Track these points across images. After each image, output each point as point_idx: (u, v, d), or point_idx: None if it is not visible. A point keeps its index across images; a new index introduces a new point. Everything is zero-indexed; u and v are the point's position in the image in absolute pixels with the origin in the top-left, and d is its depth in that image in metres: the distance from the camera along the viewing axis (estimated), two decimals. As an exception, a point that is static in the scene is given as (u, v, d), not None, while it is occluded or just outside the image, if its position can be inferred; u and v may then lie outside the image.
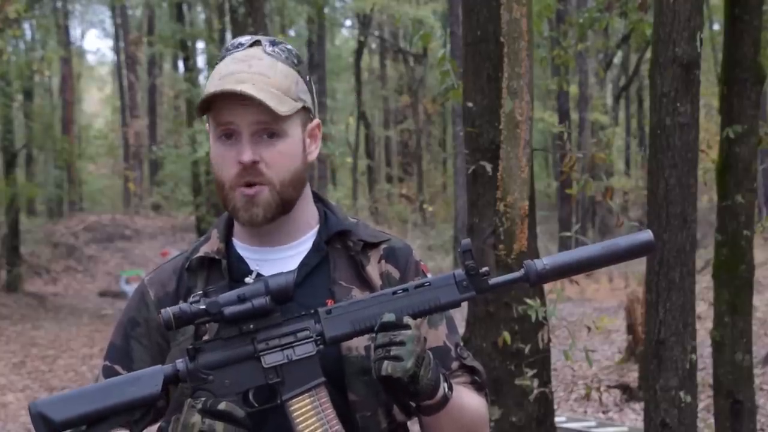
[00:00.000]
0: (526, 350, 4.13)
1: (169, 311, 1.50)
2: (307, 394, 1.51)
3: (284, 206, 1.62)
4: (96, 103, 42.49)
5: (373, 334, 1.51)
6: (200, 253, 1.68)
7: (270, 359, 1.52)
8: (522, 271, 1.54)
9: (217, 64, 1.65)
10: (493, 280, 1.55)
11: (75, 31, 36.06)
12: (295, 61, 1.65)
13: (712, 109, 17.16)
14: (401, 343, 1.47)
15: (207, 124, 1.68)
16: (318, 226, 1.70)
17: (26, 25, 23.68)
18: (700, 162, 4.30)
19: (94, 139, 32.96)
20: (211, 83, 1.60)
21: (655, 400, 4.07)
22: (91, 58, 43.02)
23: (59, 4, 27.75)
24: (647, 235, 1.55)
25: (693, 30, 4.00)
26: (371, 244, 1.70)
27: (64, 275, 22.33)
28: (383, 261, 1.69)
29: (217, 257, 1.67)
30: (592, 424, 7.88)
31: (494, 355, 4.17)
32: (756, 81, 4.96)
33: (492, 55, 4.18)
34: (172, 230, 25.39)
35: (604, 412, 8.80)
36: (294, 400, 1.51)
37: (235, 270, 1.66)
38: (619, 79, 27.48)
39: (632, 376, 9.64)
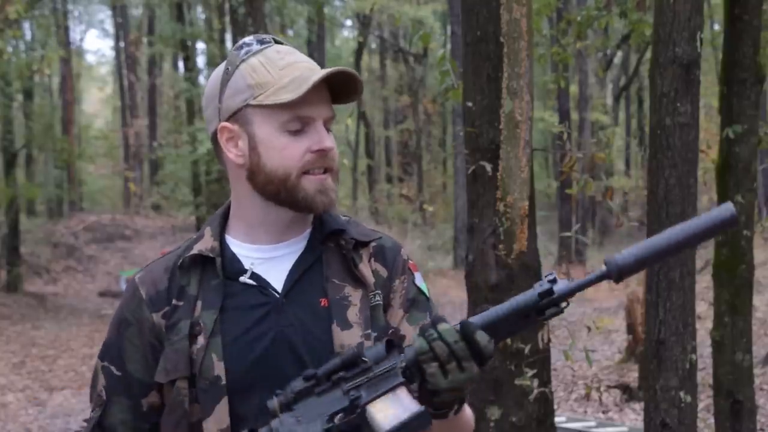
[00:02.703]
0: (526, 350, 4.13)
1: None
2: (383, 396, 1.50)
3: None
4: (96, 103, 42.51)
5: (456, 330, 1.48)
6: (194, 251, 1.67)
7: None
8: (603, 269, 1.49)
9: (236, 64, 1.64)
10: (570, 285, 1.49)
11: (75, 31, 36.07)
12: None
13: (712, 109, 17.16)
14: (462, 369, 1.47)
15: (225, 126, 1.64)
16: (312, 226, 1.71)
17: (26, 25, 23.71)
18: (700, 162, 4.30)
19: (94, 140, 32.95)
20: (280, 72, 1.60)
21: (655, 400, 4.07)
22: (91, 58, 43.09)
23: (59, 5, 27.75)
24: (728, 208, 1.47)
25: (693, 30, 4.00)
26: (362, 243, 1.71)
27: (64, 275, 22.33)
28: (372, 259, 1.70)
29: (211, 255, 1.66)
30: (592, 424, 7.89)
31: (494, 355, 4.16)
32: (756, 81, 4.97)
33: (492, 55, 4.17)
34: (172, 230, 25.39)
35: (604, 412, 8.80)
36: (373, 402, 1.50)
37: (229, 268, 1.66)
38: (619, 79, 27.48)
39: (632, 376, 9.64)
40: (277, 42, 1.67)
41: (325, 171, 1.63)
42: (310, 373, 1.50)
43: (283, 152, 1.61)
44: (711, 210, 1.49)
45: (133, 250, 24.34)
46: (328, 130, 1.64)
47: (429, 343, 1.46)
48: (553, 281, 1.49)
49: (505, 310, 1.49)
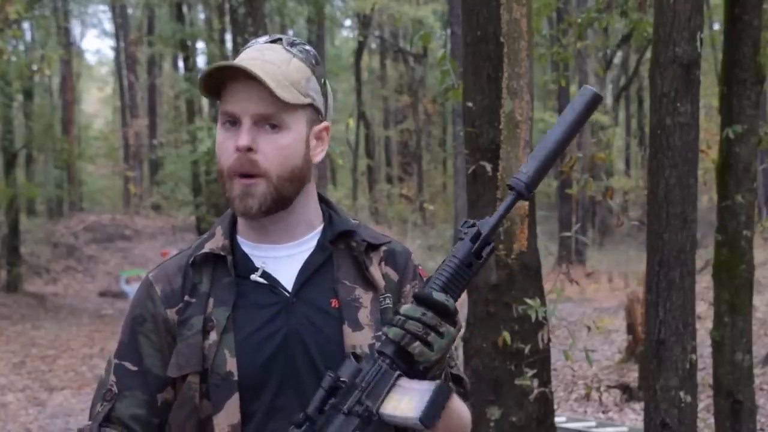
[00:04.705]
0: (526, 350, 4.13)
1: None
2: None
3: (281, 201, 1.62)
4: (96, 103, 42.50)
5: (416, 305, 1.49)
6: (205, 250, 1.68)
7: None
8: (513, 193, 1.55)
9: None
10: (490, 221, 1.54)
11: (75, 31, 36.07)
12: (313, 61, 1.66)
13: (712, 109, 17.15)
14: (440, 335, 1.47)
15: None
16: (322, 226, 1.71)
17: (26, 26, 23.70)
18: (700, 162, 4.30)
19: (94, 140, 32.95)
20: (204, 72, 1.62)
21: (655, 400, 4.07)
22: (90, 58, 43.10)
23: (59, 5, 27.75)
24: (589, 90, 1.57)
25: (693, 30, 4.00)
26: (373, 246, 1.71)
27: (64, 275, 22.33)
28: (383, 263, 1.71)
29: (222, 254, 1.67)
30: (592, 424, 7.88)
31: (494, 355, 4.17)
32: (756, 81, 4.96)
33: (492, 55, 4.17)
34: (172, 230, 25.39)
35: (604, 412, 8.80)
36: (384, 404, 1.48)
37: (241, 267, 1.66)
38: (619, 79, 27.49)
39: (632, 376, 9.64)
40: (276, 42, 1.65)
41: (256, 176, 1.59)
42: (301, 419, 1.48)
43: (219, 146, 1.63)
44: (575, 97, 1.58)
45: (133, 250, 24.34)
46: (273, 126, 1.59)
47: (402, 328, 1.47)
48: (473, 225, 1.55)
49: (451, 268, 1.52)
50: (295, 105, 1.60)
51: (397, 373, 1.48)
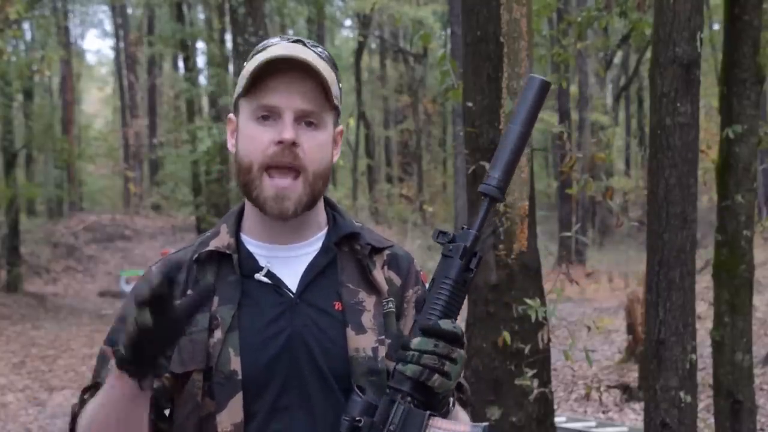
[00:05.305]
0: (526, 350, 4.12)
1: None
2: None
3: (312, 202, 1.63)
4: (96, 103, 42.49)
5: (422, 336, 1.48)
6: (210, 247, 1.67)
7: None
8: (486, 199, 1.56)
9: (248, 61, 1.65)
10: (471, 232, 1.54)
11: (75, 31, 36.08)
12: (334, 66, 1.68)
13: (712, 109, 17.15)
14: (454, 361, 1.47)
15: (229, 117, 1.68)
16: (327, 228, 1.72)
17: (26, 26, 23.71)
18: (700, 162, 4.30)
19: (94, 140, 32.95)
20: (258, 62, 1.60)
21: (655, 400, 4.08)
22: (91, 58, 43.09)
23: (59, 5, 27.75)
24: (536, 79, 1.58)
25: (693, 30, 4.00)
26: (377, 249, 1.71)
27: (64, 275, 22.33)
28: (386, 267, 1.71)
29: (227, 252, 1.66)
30: (592, 424, 7.88)
31: (494, 355, 4.17)
32: (756, 81, 4.96)
33: (492, 55, 4.17)
34: (172, 230, 25.39)
35: (604, 412, 8.80)
36: None
37: (245, 266, 1.66)
38: (619, 79, 27.50)
39: (632, 376, 9.64)
40: (299, 42, 1.65)
41: (296, 173, 1.59)
42: None
43: (251, 141, 1.61)
44: (524, 89, 1.58)
45: (133, 250, 24.34)
46: (310, 123, 1.60)
47: (418, 364, 1.46)
48: (453, 239, 1.54)
49: (447, 290, 1.51)
50: (332, 105, 1.63)
51: (428, 413, 1.47)
